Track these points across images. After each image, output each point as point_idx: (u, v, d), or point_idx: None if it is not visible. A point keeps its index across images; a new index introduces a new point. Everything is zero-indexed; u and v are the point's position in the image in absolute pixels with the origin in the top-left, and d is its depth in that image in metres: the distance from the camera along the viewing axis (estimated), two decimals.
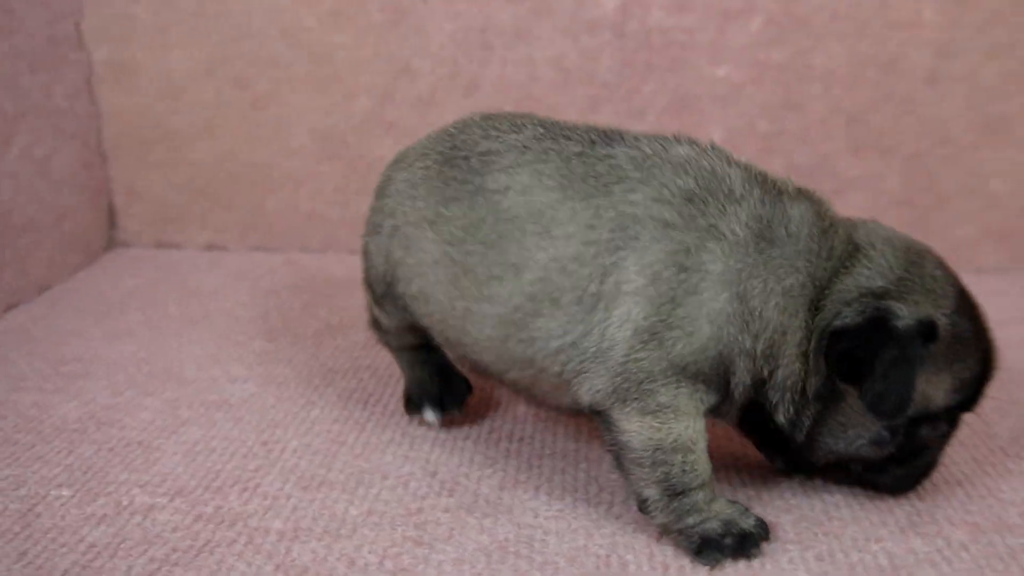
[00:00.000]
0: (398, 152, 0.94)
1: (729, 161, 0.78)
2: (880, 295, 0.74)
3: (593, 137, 0.80)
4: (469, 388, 0.96)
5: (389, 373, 1.10)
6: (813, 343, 0.74)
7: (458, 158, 0.83)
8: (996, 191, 1.48)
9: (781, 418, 0.77)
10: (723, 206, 0.74)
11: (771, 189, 0.76)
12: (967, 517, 0.80)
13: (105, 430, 0.95)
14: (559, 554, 0.75)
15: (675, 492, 0.74)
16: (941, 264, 0.78)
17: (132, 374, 1.08)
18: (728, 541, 0.74)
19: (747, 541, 0.74)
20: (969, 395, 0.78)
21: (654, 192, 0.74)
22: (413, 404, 0.96)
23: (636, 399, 0.73)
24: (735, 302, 0.72)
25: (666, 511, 0.75)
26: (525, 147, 0.80)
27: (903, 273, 0.75)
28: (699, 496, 0.75)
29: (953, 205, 1.49)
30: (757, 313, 0.73)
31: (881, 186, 1.48)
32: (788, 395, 0.75)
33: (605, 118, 1.45)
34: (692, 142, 0.80)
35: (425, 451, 0.92)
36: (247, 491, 0.84)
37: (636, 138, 0.80)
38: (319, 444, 0.93)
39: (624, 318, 0.73)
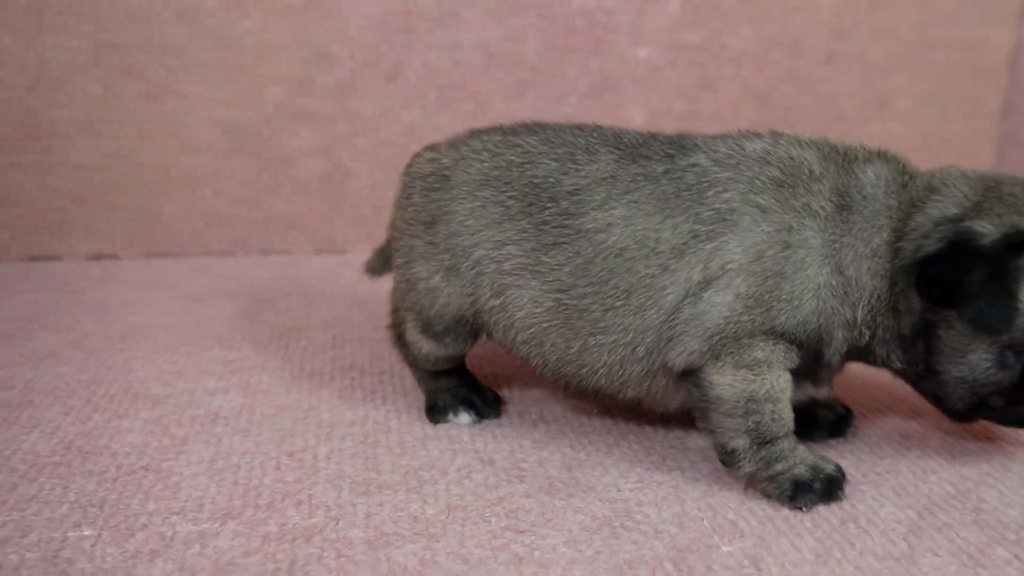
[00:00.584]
0: (424, 164, 0.89)
1: (800, 144, 0.80)
2: (957, 220, 0.75)
3: (669, 150, 0.82)
4: (498, 396, 0.94)
5: (376, 369, 1.03)
6: (900, 283, 0.76)
7: (544, 199, 0.82)
8: None
9: (898, 364, 0.79)
10: (809, 186, 0.77)
11: (843, 160, 0.79)
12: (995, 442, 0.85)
13: (95, 459, 0.82)
14: (665, 521, 0.73)
15: (764, 440, 0.76)
16: (1021, 183, 0.78)
17: (88, 397, 0.94)
18: (817, 485, 0.76)
19: (834, 484, 0.76)
20: None
21: (745, 185, 0.77)
22: (439, 411, 0.91)
23: (731, 354, 0.75)
24: (836, 275, 0.75)
25: (755, 460, 0.76)
26: (612, 177, 0.81)
27: (979, 198, 0.76)
28: (785, 444, 0.77)
29: None
30: (854, 282, 0.76)
31: None
32: (893, 345, 0.78)
33: (531, 102, 1.43)
34: (761, 135, 0.82)
35: (468, 443, 0.86)
36: (303, 504, 0.75)
37: (710, 140, 0.82)
38: (350, 447, 0.85)
39: (725, 286, 0.75)
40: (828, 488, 0.76)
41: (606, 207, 0.80)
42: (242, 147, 1.39)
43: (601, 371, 0.81)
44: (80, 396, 0.95)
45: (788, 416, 0.77)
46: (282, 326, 1.16)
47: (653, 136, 0.84)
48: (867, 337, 0.78)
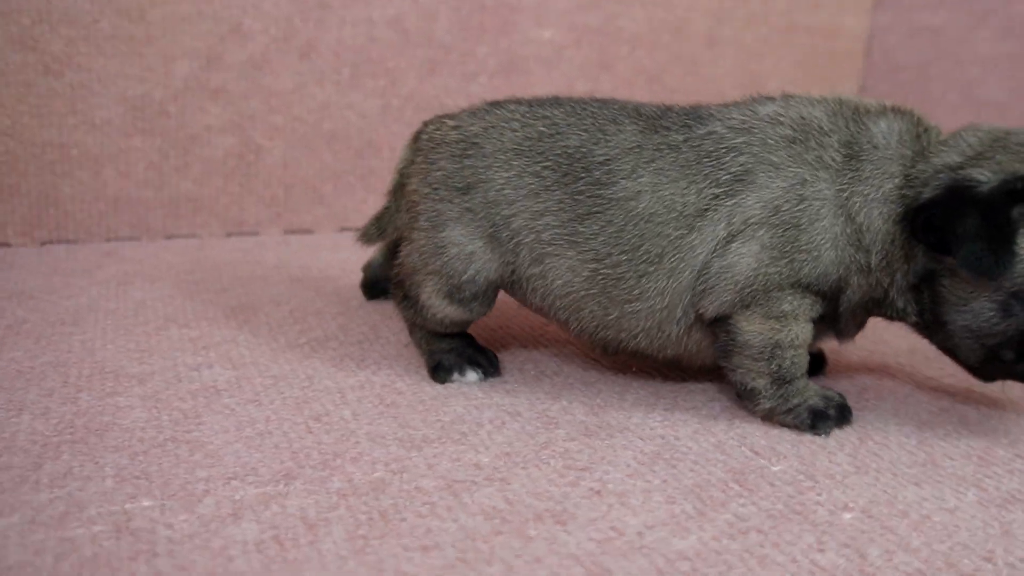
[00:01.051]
0: (449, 131, 0.90)
1: (811, 103, 0.84)
2: (957, 168, 0.77)
3: (687, 120, 0.85)
4: (495, 356, 0.95)
5: (353, 339, 1.02)
6: (904, 230, 0.79)
7: (577, 169, 0.85)
8: None
9: (912, 317, 0.82)
10: (820, 139, 0.81)
11: (853, 114, 0.82)
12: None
13: (112, 435, 0.76)
14: (708, 451, 0.77)
15: (783, 381, 0.82)
16: None
17: (63, 379, 0.88)
18: (832, 412, 0.83)
19: (844, 410, 0.84)
20: None
21: (759, 146, 0.81)
22: (445, 370, 0.91)
23: (761, 305, 0.80)
24: (848, 223, 0.79)
25: (774, 397, 0.83)
26: (639, 147, 0.84)
27: (983, 148, 0.77)
28: (800, 383, 0.83)
29: None
30: (865, 227, 0.79)
31: None
32: (909, 295, 0.80)
33: (442, 80, 1.45)
34: (773, 99, 0.86)
35: (485, 398, 0.87)
36: (358, 460, 0.74)
37: (724, 109, 0.86)
38: (371, 408, 0.84)
39: (750, 238, 0.79)
40: (841, 413, 0.83)
41: (634, 176, 0.83)
42: (147, 125, 1.32)
43: (640, 335, 0.85)
44: (53, 378, 0.88)
45: (805, 359, 0.83)
46: (229, 304, 1.12)
47: (669, 108, 0.88)
48: (885, 284, 0.80)
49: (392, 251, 1.03)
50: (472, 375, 0.91)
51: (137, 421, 0.79)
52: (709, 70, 1.63)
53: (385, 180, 1.47)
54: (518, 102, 0.92)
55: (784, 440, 0.81)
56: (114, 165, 1.32)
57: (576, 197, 0.84)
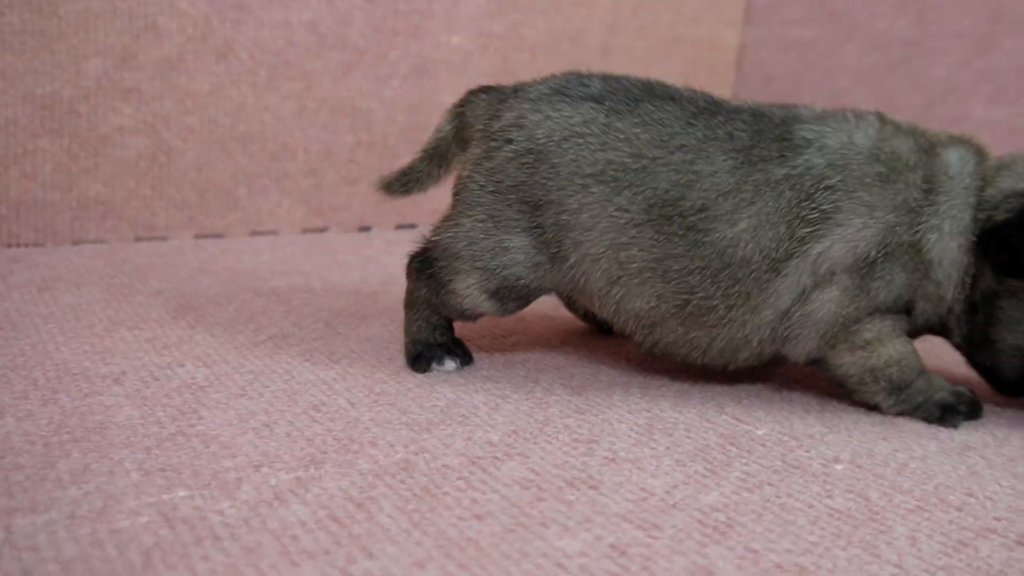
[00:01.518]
0: (513, 129, 0.87)
1: (901, 133, 0.85)
2: (1016, 194, 0.81)
3: (783, 149, 0.84)
4: (467, 347, 0.97)
5: (311, 335, 1.02)
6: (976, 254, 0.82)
7: (670, 214, 0.84)
8: None
9: (957, 337, 0.86)
10: (906, 179, 0.83)
11: (929, 146, 0.85)
12: None
13: (113, 432, 0.74)
14: (694, 420, 0.83)
15: (899, 389, 0.85)
16: None
17: (31, 381, 0.83)
18: (962, 407, 0.85)
19: (975, 404, 0.86)
20: None
21: (853, 183, 0.82)
22: (425, 359, 0.92)
23: (844, 341, 0.83)
24: (919, 255, 0.82)
25: (898, 404, 0.86)
26: (736, 189, 0.83)
27: None
28: (920, 383, 0.86)
29: None
30: (937, 260, 0.82)
31: None
32: (963, 317, 0.84)
33: (356, 82, 1.45)
34: (869, 121, 0.86)
35: (466, 384, 0.89)
36: (376, 444, 0.75)
37: (819, 130, 0.85)
38: (364, 397, 0.84)
39: (833, 284, 0.82)
40: (971, 408, 0.86)
41: (733, 222, 0.83)
42: (56, 125, 1.26)
43: (713, 353, 0.87)
44: (19, 382, 0.83)
45: (915, 362, 0.85)
46: (170, 306, 1.09)
47: (759, 125, 0.85)
48: (946, 310, 0.84)
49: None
50: (450, 364, 0.93)
51: (132, 418, 0.77)
52: None
53: (300, 183, 1.46)
54: (579, 95, 0.88)
55: (756, 407, 0.87)
56: (19, 167, 1.25)
57: (671, 239, 0.84)
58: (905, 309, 0.84)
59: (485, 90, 0.93)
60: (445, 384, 0.89)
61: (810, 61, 1.81)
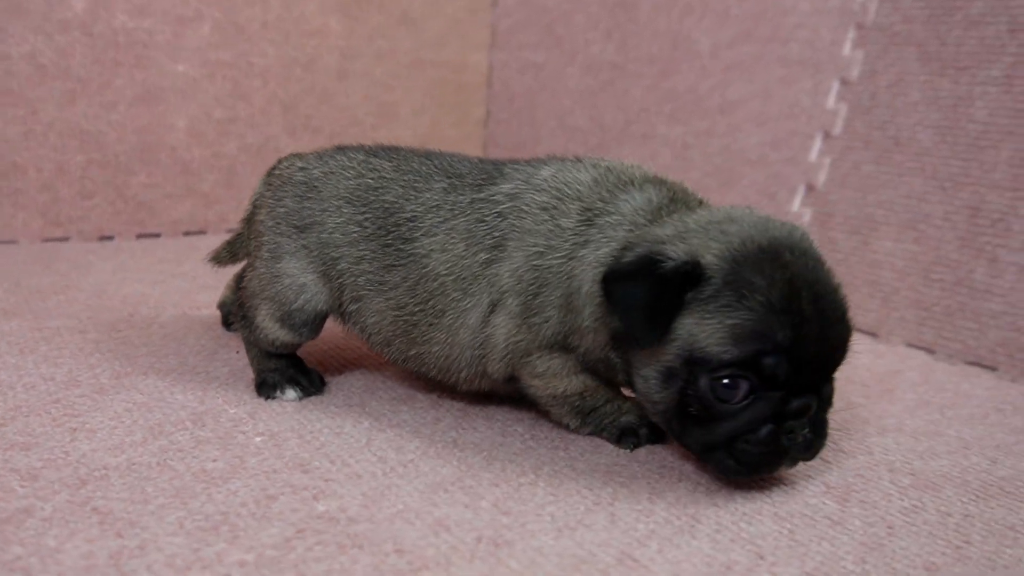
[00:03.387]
0: (296, 171, 1.00)
1: (584, 168, 0.89)
2: (660, 241, 0.78)
3: (483, 179, 0.91)
4: (321, 377, 1.06)
5: (222, 360, 1.16)
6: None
7: (390, 224, 0.92)
8: None
9: (622, 377, 0.86)
10: (566, 207, 0.85)
11: (616, 184, 0.86)
12: None
13: (173, 474, 0.84)
14: (562, 438, 0.96)
15: (585, 413, 0.91)
16: (756, 229, 0.77)
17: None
18: (643, 431, 0.90)
19: (658, 429, 0.89)
20: (756, 351, 0.73)
21: (516, 213, 0.87)
22: (269, 386, 1.01)
23: (523, 367, 0.88)
24: (568, 287, 0.84)
25: (587, 426, 0.92)
26: (438, 207, 0.91)
27: (696, 228, 0.78)
28: (606, 408, 0.91)
29: None
30: (576, 289, 0.83)
31: None
32: (615, 353, 0.84)
33: (82, 108, 1.63)
34: (558, 162, 0.91)
35: (366, 415, 1.02)
36: (362, 453, 0.88)
37: (518, 168, 0.92)
38: (354, 430, 0.95)
39: (503, 308, 0.87)
40: (653, 432, 0.90)
41: (430, 234, 0.90)
42: None
43: (435, 372, 0.94)
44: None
45: (601, 392, 0.89)
46: (34, 336, 1.19)
47: (484, 164, 0.93)
48: (600, 344, 0.83)
49: (238, 283, 1.10)
50: (291, 393, 1.01)
51: (112, 451, 0.87)
52: (342, 100, 1.89)
53: (35, 199, 1.64)
54: (361, 149, 1.01)
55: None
56: None
57: (386, 249, 0.92)
58: (572, 350, 0.86)
59: (292, 156, 1.06)
60: (344, 411, 0.98)
61: (542, 82, 1.98)
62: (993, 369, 1.19)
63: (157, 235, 1.77)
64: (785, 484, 0.84)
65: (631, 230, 0.82)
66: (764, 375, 0.74)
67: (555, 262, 0.84)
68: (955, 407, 1.06)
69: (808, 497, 0.82)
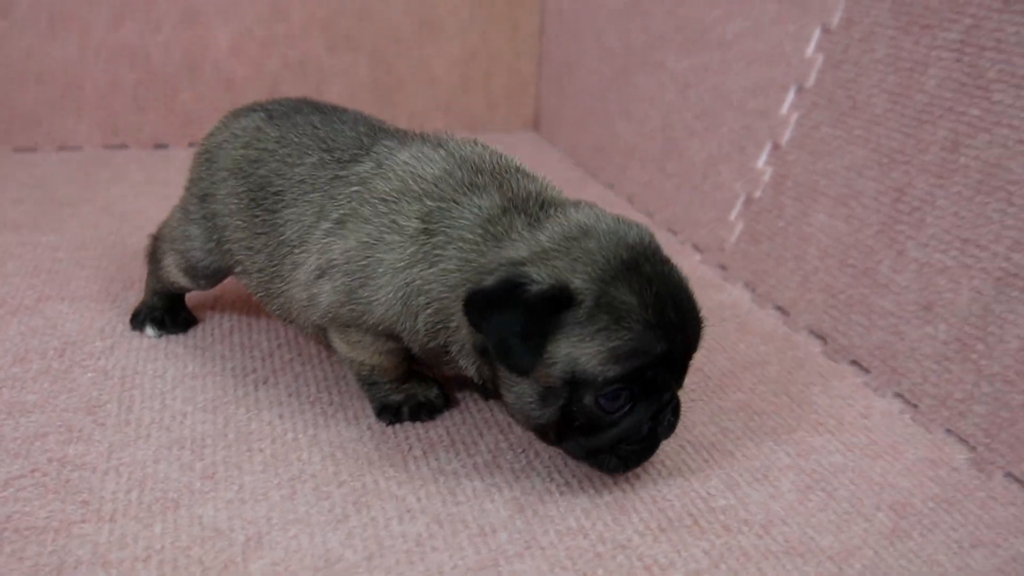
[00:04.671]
0: (207, 138, 1.07)
1: (434, 160, 0.88)
2: (519, 263, 0.78)
3: (354, 154, 0.93)
4: (189, 320, 1.17)
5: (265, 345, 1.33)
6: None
7: (260, 196, 0.96)
8: (437, 73, 2.03)
9: (475, 377, 0.87)
10: (405, 206, 0.86)
11: (458, 185, 0.86)
12: None
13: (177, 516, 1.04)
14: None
15: (367, 383, 0.97)
16: (613, 243, 0.78)
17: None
18: (405, 409, 0.96)
19: (421, 408, 0.96)
20: (632, 370, 0.76)
21: (359, 198, 0.89)
22: (137, 320, 1.15)
23: (338, 330, 0.93)
24: (401, 288, 0.85)
25: (367, 390, 0.98)
26: (304, 181, 0.94)
27: (552, 247, 0.78)
28: (388, 386, 0.96)
29: (408, 86, 2.02)
30: (416, 293, 0.84)
31: (354, 76, 1.97)
32: (470, 359, 0.85)
33: (128, 30, 1.80)
34: (421, 143, 0.92)
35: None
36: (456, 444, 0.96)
37: (388, 145, 0.93)
38: (173, 373, 1.15)
39: (330, 279, 0.89)
40: (416, 411, 0.96)
41: (291, 205, 0.93)
42: None
43: (297, 321, 0.98)
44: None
45: (392, 372, 0.94)
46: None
47: (362, 133, 0.95)
48: (441, 340, 0.85)
49: None
50: (150, 331, 1.14)
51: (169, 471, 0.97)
52: (382, 15, 1.93)
53: (93, 112, 1.85)
54: (266, 111, 1.03)
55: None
56: None
57: (255, 217, 0.97)
58: (395, 335, 0.89)
59: (230, 113, 1.11)
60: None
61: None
62: (866, 371, 1.11)
63: None
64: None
65: (475, 246, 0.82)
66: (644, 384, 0.79)
67: (388, 258, 0.85)
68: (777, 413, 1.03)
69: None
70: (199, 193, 1.05)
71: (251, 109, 1.07)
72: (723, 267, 1.40)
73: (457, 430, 0.97)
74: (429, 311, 0.84)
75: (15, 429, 0.95)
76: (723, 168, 1.49)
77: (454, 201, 0.85)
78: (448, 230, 0.83)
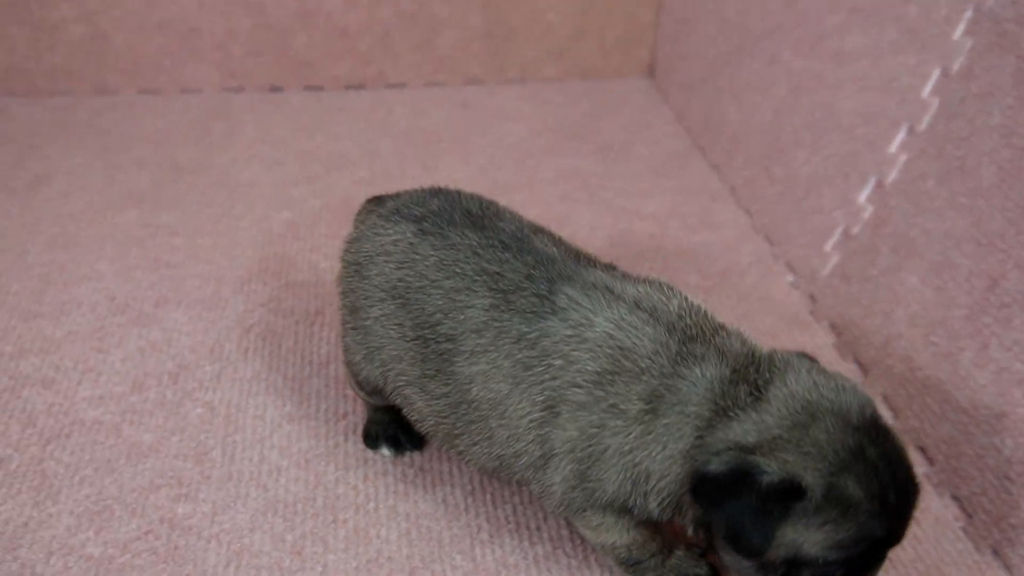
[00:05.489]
0: (350, 246, 0.99)
1: (645, 323, 0.83)
2: (747, 449, 0.77)
3: (535, 306, 0.85)
4: (422, 439, 1.09)
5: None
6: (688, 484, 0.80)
7: (428, 335, 0.89)
8: (552, 21, 1.99)
9: (691, 531, 0.86)
10: (624, 386, 0.81)
11: (677, 354, 0.81)
12: None
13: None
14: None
15: (630, 564, 0.92)
16: (839, 428, 0.77)
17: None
18: None
19: None
20: (854, 554, 0.78)
21: (567, 378, 0.83)
22: (371, 439, 1.09)
23: (577, 518, 0.90)
24: (630, 470, 0.82)
25: (628, 572, 0.93)
26: (482, 329, 0.86)
27: (782, 433, 0.77)
28: (651, 563, 0.91)
29: (520, 35, 1.98)
30: (645, 475, 0.82)
31: (467, 23, 1.95)
32: (693, 524, 0.85)
33: None
34: (623, 300, 0.85)
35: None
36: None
37: (576, 295, 0.85)
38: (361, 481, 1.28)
39: (556, 467, 0.86)
40: None
41: (472, 360, 0.86)
42: None
43: (481, 470, 0.94)
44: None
45: (648, 547, 0.90)
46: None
47: (536, 270, 0.87)
48: (669, 515, 0.84)
49: None
50: (386, 451, 1.09)
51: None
52: None
53: (211, 56, 1.91)
54: (412, 219, 0.94)
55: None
56: None
57: (428, 358, 0.89)
58: (627, 508, 0.86)
59: (371, 203, 1.04)
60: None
61: None
62: (930, 462, 1.13)
63: (320, 88, 1.98)
64: None
65: (699, 424, 0.80)
66: (861, 562, 0.81)
67: (613, 443, 0.82)
68: None
69: None
70: (350, 305, 1.00)
71: (397, 214, 0.97)
72: (812, 298, 1.40)
73: (523, 511, 1.05)
74: (664, 493, 0.83)
75: (133, 478, 1.08)
76: (825, 191, 1.45)
77: (679, 376, 0.81)
78: (678, 407, 0.80)
